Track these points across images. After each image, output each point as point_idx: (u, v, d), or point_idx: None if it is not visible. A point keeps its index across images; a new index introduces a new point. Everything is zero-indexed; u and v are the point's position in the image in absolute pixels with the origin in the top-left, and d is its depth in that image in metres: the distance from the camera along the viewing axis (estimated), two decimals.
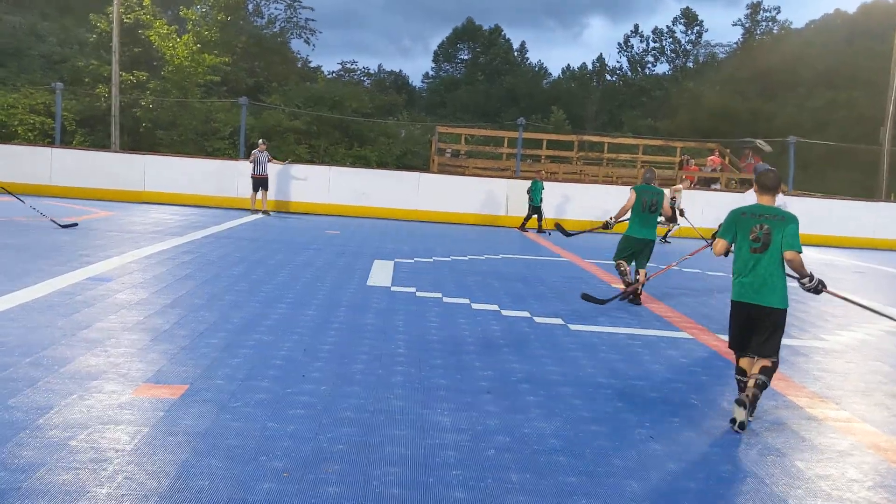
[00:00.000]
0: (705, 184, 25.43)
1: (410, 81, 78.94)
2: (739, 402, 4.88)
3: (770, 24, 70.06)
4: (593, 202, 21.20)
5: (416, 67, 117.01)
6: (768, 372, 5.05)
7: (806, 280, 5.17)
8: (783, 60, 56.49)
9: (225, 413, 4.58)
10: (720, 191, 23.83)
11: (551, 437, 4.53)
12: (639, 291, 9.29)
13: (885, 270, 15.66)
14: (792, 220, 5.04)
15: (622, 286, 9.44)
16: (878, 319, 9.20)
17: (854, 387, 6.20)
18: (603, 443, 4.50)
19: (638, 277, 9.37)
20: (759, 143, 25.92)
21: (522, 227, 19.30)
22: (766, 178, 5.21)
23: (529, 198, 19.20)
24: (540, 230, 18.82)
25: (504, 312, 8.25)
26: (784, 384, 6.07)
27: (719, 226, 5.48)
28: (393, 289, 9.37)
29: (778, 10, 78.07)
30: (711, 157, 27.04)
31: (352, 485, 3.71)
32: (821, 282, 5.22)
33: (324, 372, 5.58)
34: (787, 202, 7.82)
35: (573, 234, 11.74)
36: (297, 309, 7.77)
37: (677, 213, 9.75)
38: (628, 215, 9.49)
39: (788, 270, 5.10)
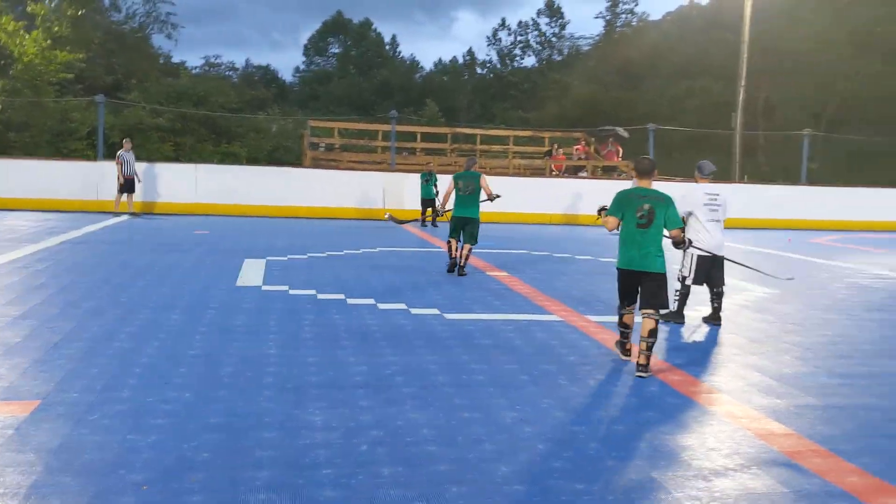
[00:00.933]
0: (574, 172, 26.19)
1: (281, 75, 77.50)
2: (625, 353, 6.27)
3: (629, 16, 72.91)
4: None
5: (287, 61, 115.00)
6: (654, 332, 5.91)
7: (680, 244, 6.46)
8: (643, 51, 58.96)
9: (81, 427, 4.33)
10: (587, 178, 24.62)
11: (424, 428, 4.53)
12: (461, 263, 10.63)
13: (738, 248, 16.60)
14: (670, 201, 6.03)
15: (462, 261, 10.70)
16: (733, 294, 9.78)
17: (711, 359, 6.55)
18: (475, 429, 4.54)
19: (462, 252, 10.67)
20: (619, 130, 26.97)
21: (423, 221, 18.99)
22: (642, 164, 6.18)
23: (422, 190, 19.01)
24: (423, 222, 18.78)
25: (380, 306, 8.21)
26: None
27: (600, 209, 6.34)
28: (264, 288, 9.15)
29: (636, 2, 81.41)
30: (577, 146, 27.90)
31: (217, 492, 3.58)
32: (689, 240, 6.88)
33: (189, 378, 5.37)
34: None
35: (405, 223, 13.73)
36: (162, 313, 7.46)
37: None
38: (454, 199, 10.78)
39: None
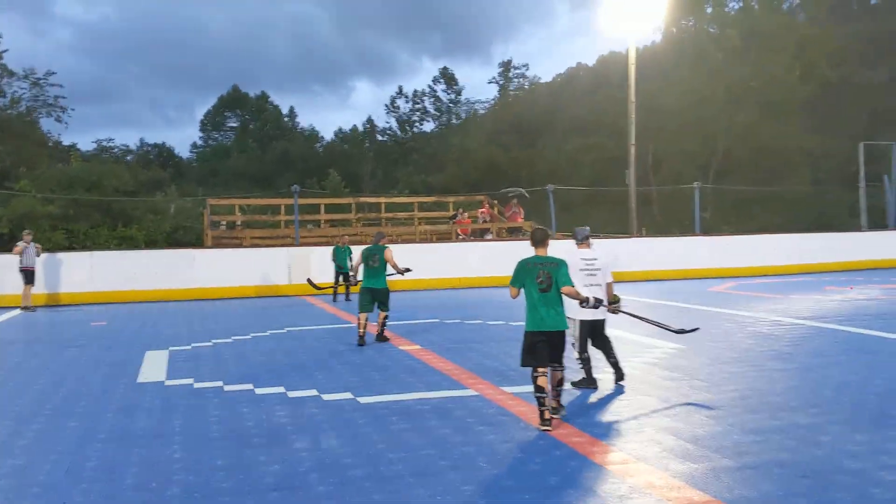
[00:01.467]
0: (479, 234, 26.52)
1: (178, 152, 76.38)
2: (545, 423, 6.35)
3: (521, 80, 75.52)
4: None
5: (184, 138, 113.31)
6: (562, 381, 6.76)
7: (584, 302, 6.81)
8: (537, 112, 61.05)
9: None
10: (493, 240, 24.94)
11: None
12: (379, 331, 11.39)
13: (643, 301, 17.01)
14: (562, 263, 6.66)
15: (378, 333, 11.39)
16: (642, 352, 9.95)
17: (627, 425, 6.56)
18: None
19: (379, 319, 11.42)
20: (521, 191, 27.60)
21: (335, 295, 18.63)
22: (536, 234, 6.88)
23: (336, 264, 18.57)
24: (335, 296, 18.49)
25: (290, 394, 7.95)
26: (565, 431, 6.30)
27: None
28: (168, 383, 8.75)
29: (527, 66, 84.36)
30: (481, 209, 28.34)
31: None
32: (596, 299, 7.07)
33: (90, 495, 5.01)
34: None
35: (322, 289, 14.30)
36: (58, 421, 7.00)
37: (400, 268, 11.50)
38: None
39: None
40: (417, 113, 77.92)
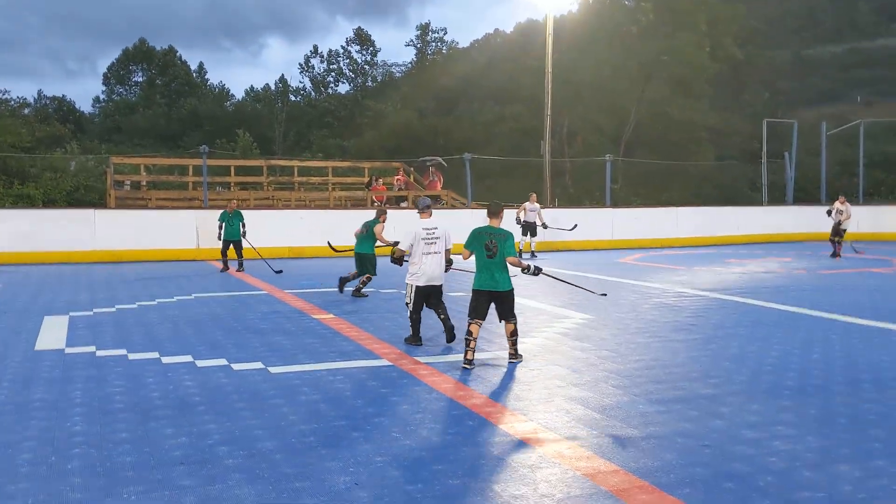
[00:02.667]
0: (395, 202, 26.38)
1: (79, 106, 72.90)
2: (467, 361, 7.46)
3: (439, 44, 75.06)
4: (286, 228, 21.07)
5: (85, 91, 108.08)
6: (515, 332, 7.71)
7: (525, 270, 7.82)
8: (455, 79, 60.85)
9: None
10: (408, 208, 24.85)
11: None
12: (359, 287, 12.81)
13: (557, 271, 17.31)
14: (509, 235, 7.68)
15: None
16: (553, 322, 10.13)
17: (538, 395, 6.67)
18: (306, 500, 4.33)
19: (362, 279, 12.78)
20: (438, 160, 27.57)
21: (225, 265, 17.38)
22: (490, 208, 7.90)
23: (224, 230, 17.09)
24: (241, 266, 17.45)
25: (199, 363, 7.75)
26: (478, 401, 6.36)
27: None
28: (68, 351, 8.40)
29: (445, 31, 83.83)
30: (397, 177, 28.17)
31: None
32: (537, 267, 7.96)
33: None
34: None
35: (341, 252, 14.04)
36: None
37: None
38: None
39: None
40: (332, 74, 76.54)
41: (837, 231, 20.55)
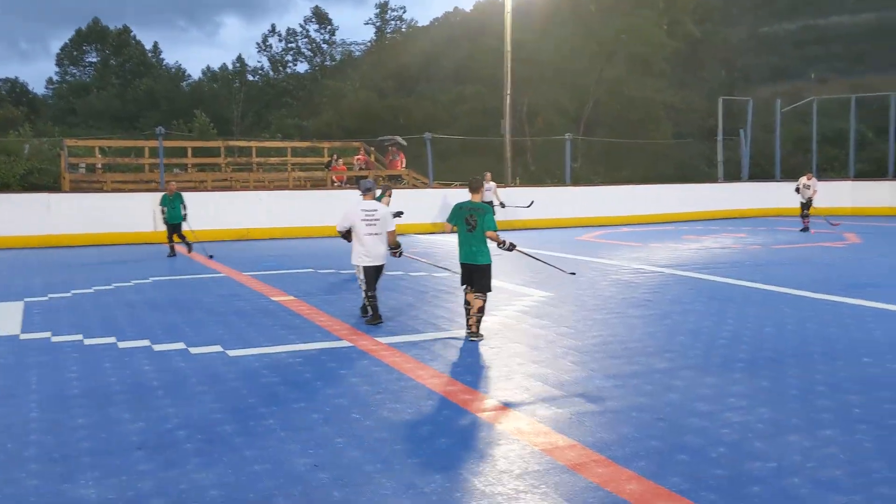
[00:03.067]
0: (356, 182, 26.23)
1: (32, 88, 70.99)
2: (472, 334, 7.92)
3: (399, 22, 74.39)
4: (244, 209, 20.90)
5: (38, 73, 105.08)
6: (482, 309, 7.97)
7: (502, 245, 7.99)
8: (415, 57, 60.45)
9: None
10: None
11: (212, 488, 4.26)
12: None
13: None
14: (488, 210, 7.96)
15: None
16: (514, 300, 10.21)
17: (497, 373, 6.75)
18: (267, 483, 4.34)
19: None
20: (398, 139, 27.45)
21: (172, 249, 16.68)
22: (471, 184, 8.17)
23: (167, 214, 16.46)
24: (189, 248, 17.14)
25: (156, 347, 7.68)
26: (438, 380, 6.41)
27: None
28: (22, 337, 8.27)
29: (404, 9, 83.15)
30: (357, 157, 28.00)
31: None
32: (512, 243, 8.09)
33: None
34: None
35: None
36: None
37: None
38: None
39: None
40: (290, 53, 75.47)
41: (806, 206, 21.07)
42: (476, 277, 7.89)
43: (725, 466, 4.54)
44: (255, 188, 24.85)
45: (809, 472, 4.44)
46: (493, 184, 21.11)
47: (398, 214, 11.41)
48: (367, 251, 8.67)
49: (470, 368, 6.95)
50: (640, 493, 4.18)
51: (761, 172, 34.85)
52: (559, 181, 33.58)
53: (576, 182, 31.61)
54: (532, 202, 21.84)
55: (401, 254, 9.16)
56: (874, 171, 33.80)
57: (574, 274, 10.57)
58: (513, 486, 4.29)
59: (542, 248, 17.11)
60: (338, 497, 4.16)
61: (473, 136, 36.17)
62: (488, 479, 4.41)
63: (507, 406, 5.76)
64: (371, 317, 8.82)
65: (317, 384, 6.36)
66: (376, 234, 8.71)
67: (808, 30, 75.73)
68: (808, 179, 21.02)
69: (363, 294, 8.92)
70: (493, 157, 33.99)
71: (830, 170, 37.98)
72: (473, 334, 7.91)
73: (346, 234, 8.95)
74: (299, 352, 7.48)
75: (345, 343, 7.85)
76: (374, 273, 8.80)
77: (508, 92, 27.55)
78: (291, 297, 10.73)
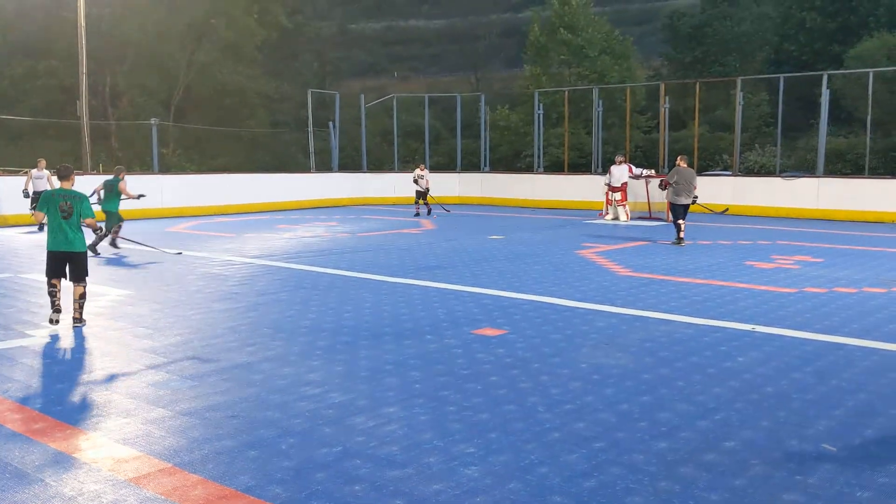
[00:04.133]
0: None
1: None
2: (55, 313, 7.91)
3: None
4: None
5: None
6: (84, 294, 8.08)
7: (98, 231, 8.60)
8: None
9: None
10: None
11: None
12: None
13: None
14: (84, 197, 8.08)
15: None
16: (89, 301, 9.37)
17: (59, 384, 6.09)
18: None
19: None
20: None
21: None
22: (61, 171, 8.32)
23: None
24: None
25: None
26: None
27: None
28: None
29: None
30: None
31: None
32: (106, 231, 8.56)
33: None
34: None
35: None
36: None
37: None
38: None
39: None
40: None
41: (423, 195, 23.39)
42: (74, 265, 7.94)
43: (293, 457, 4.63)
44: None
45: (371, 451, 4.72)
46: (45, 172, 18.79)
47: (140, 196, 14.29)
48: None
49: (27, 381, 6.18)
50: (206, 497, 4.07)
51: (351, 163, 36.77)
52: (148, 168, 31.80)
53: (167, 170, 30.23)
54: (141, 195, 20.24)
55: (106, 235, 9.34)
56: (447, 164, 37.57)
57: (181, 253, 10.42)
58: None
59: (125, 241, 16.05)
60: None
61: (46, 118, 32.54)
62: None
63: (67, 422, 5.23)
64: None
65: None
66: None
67: (391, 30, 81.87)
68: (422, 171, 23.34)
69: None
70: (71, 139, 31.00)
71: (411, 161, 41.49)
72: (77, 320, 8.01)
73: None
74: None
75: None
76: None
77: (84, 70, 25.25)
78: None
